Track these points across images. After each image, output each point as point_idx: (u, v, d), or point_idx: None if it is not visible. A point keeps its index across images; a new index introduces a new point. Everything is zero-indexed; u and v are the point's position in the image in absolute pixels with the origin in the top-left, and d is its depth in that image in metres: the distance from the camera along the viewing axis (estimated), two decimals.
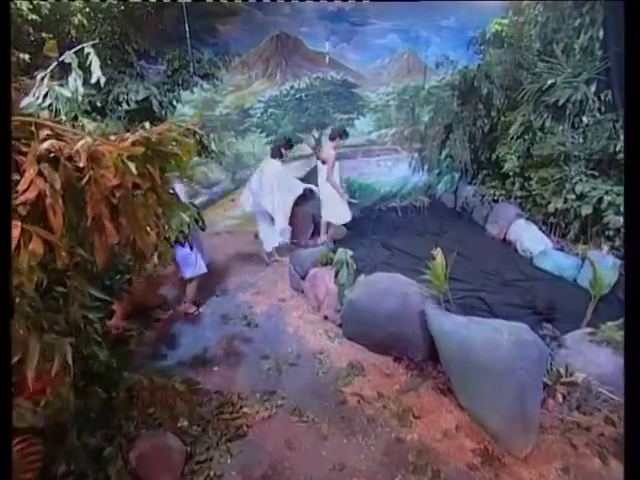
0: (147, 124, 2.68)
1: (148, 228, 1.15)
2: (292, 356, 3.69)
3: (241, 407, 3.16)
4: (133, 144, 1.09)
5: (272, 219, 4.88)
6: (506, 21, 5.32)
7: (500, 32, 5.34)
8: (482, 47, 5.54)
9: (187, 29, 4.94)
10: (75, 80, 1.95)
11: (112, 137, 1.13)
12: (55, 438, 1.79)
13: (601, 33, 4.62)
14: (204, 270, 4.13)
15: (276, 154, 4.76)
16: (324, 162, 4.81)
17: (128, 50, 4.72)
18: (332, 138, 4.77)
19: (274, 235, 4.96)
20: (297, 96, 5.86)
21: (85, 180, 0.96)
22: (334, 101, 5.95)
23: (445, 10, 5.46)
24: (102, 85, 2.47)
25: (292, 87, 5.82)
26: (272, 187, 4.72)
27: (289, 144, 4.83)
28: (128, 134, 1.15)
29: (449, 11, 5.45)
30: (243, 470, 2.74)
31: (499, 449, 2.83)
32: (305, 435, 2.98)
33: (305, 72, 5.79)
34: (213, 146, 3.24)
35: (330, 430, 3.01)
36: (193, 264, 4.01)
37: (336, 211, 5.01)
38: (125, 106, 4.76)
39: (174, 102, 5.55)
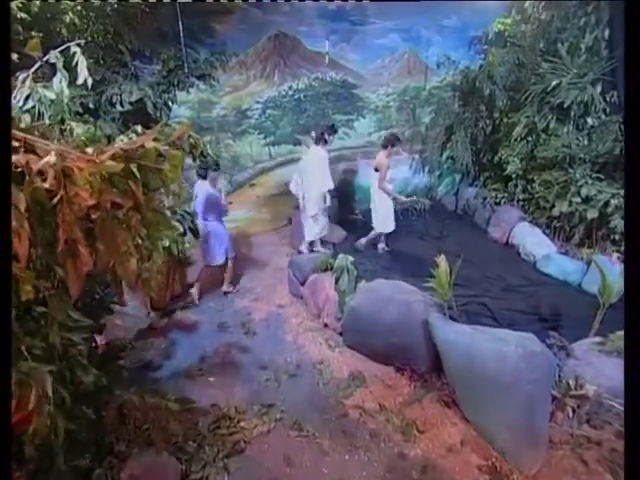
0: (139, 127, 2.57)
1: (130, 254, 1.03)
2: (291, 366, 3.57)
3: (238, 421, 3.05)
4: (112, 158, 0.97)
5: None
6: (509, 20, 5.21)
7: (503, 32, 5.23)
8: (484, 47, 5.43)
9: (181, 28, 4.80)
10: (60, 81, 1.82)
11: (89, 150, 1.01)
12: (42, 463, 1.67)
13: (607, 33, 4.51)
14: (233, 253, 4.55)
15: (319, 140, 4.63)
16: (377, 169, 4.70)
17: (122, 50, 4.59)
18: (385, 146, 4.67)
19: (314, 228, 4.87)
20: (296, 97, 5.73)
21: (56, 200, 0.85)
22: (333, 102, 5.83)
23: (447, 9, 5.34)
24: (91, 86, 2.37)
25: (290, 88, 5.69)
26: (314, 174, 4.62)
27: (333, 129, 4.72)
28: (108, 146, 1.03)
29: (451, 10, 5.34)
30: None
31: (507, 465, 2.72)
32: (305, 450, 2.87)
33: (304, 72, 5.66)
34: (208, 150, 3.12)
35: (331, 445, 2.90)
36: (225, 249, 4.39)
37: (386, 220, 4.92)
38: (119, 107, 4.63)
39: (169, 103, 5.43)
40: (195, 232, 2.47)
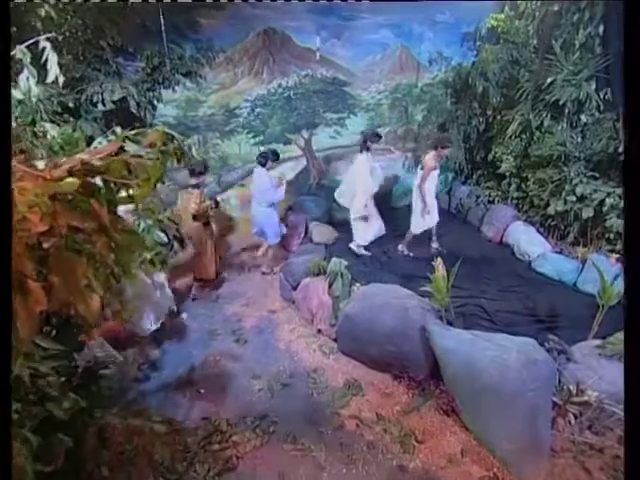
0: (119, 129, 2.41)
1: (92, 288, 0.88)
2: (284, 375, 3.44)
3: (230, 436, 2.92)
4: (69, 172, 0.83)
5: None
6: (502, 16, 5.13)
7: (496, 28, 5.14)
8: (477, 43, 5.34)
9: (162, 22, 4.60)
10: (27, 79, 1.65)
11: (40, 163, 0.86)
12: None
13: (601, 29, 4.45)
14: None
15: (363, 148, 4.60)
16: (422, 168, 4.61)
17: (103, 46, 4.38)
18: (435, 147, 4.52)
19: (368, 230, 4.86)
20: (285, 95, 5.57)
21: None
22: (324, 100, 5.68)
23: (439, 4, 5.23)
24: (70, 84, 2.20)
25: (280, 85, 5.53)
26: (358, 180, 4.65)
27: (377, 137, 4.67)
28: (63, 159, 0.88)
29: (444, 5, 5.23)
30: None
31: (509, 476, 2.64)
32: (300, 465, 2.75)
33: (294, 69, 5.50)
34: (194, 152, 2.96)
35: (327, 459, 2.79)
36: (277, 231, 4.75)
37: (418, 221, 4.86)
38: (101, 107, 4.43)
39: (154, 102, 5.24)
40: (181, 240, 2.32)
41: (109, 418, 1.99)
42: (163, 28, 4.62)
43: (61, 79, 1.78)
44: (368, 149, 4.59)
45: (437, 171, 4.64)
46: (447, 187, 6.43)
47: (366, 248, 4.93)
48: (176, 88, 5.26)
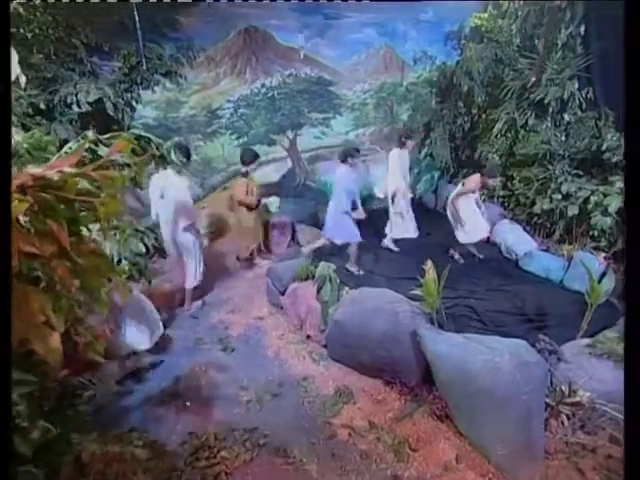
0: (90, 133, 2.27)
1: (50, 325, 0.77)
2: (274, 385, 3.34)
3: (219, 450, 2.80)
4: (19, 190, 0.71)
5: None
6: (485, 15, 5.13)
7: (479, 27, 5.14)
8: (461, 42, 5.33)
9: (137, 18, 4.43)
10: None
11: None
12: None
13: (582, 29, 4.48)
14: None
15: (399, 144, 4.65)
16: (463, 184, 4.46)
17: (76, 44, 4.18)
18: (482, 174, 4.30)
19: (405, 225, 4.94)
20: (269, 95, 5.45)
21: None
22: (309, 100, 5.58)
23: (423, 3, 5.19)
24: (33, 85, 2.06)
25: (263, 85, 5.41)
26: (393, 175, 4.71)
27: (409, 134, 4.69)
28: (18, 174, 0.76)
29: (428, 4, 5.20)
30: None
31: None
32: (292, 479, 2.66)
33: (277, 69, 5.39)
34: (173, 157, 2.84)
35: (320, 471, 2.70)
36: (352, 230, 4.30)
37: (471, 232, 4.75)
38: (76, 108, 4.23)
39: (133, 103, 5.05)
40: (162, 250, 2.20)
41: (87, 444, 1.86)
42: (138, 25, 4.45)
43: (22, 79, 1.65)
44: (403, 144, 4.64)
45: (476, 195, 4.42)
46: (433, 186, 6.43)
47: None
48: (155, 89, 5.09)
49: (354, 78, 5.68)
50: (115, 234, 1.91)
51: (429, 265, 3.03)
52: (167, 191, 3.46)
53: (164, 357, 3.68)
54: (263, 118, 5.52)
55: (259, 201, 4.64)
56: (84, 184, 0.87)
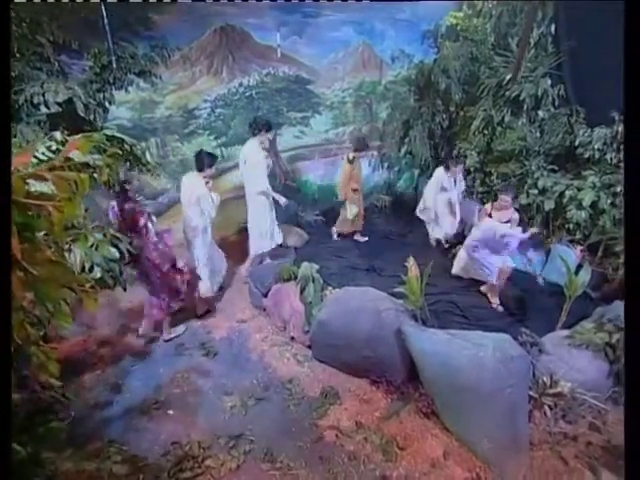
0: (58, 134, 2.16)
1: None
2: (258, 389, 3.28)
3: (203, 460, 2.73)
4: None
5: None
6: (461, 14, 5.19)
7: (455, 25, 5.20)
8: (438, 41, 5.38)
9: (104, 14, 4.27)
10: None
11: None
12: None
13: (552, 28, 4.59)
14: None
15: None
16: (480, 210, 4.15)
17: (41, 42, 4.00)
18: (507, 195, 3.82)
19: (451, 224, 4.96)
20: (247, 94, 5.36)
21: None
22: (287, 99, 5.52)
23: (400, 2, 5.21)
24: None
25: (241, 84, 5.31)
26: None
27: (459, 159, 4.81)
28: None
29: (404, 3, 5.22)
30: None
31: (492, 475, 2.63)
32: None
33: (254, 68, 5.29)
34: (148, 157, 2.74)
35: (308, 475, 2.66)
36: None
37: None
38: (44, 109, 4.05)
39: (106, 104, 4.87)
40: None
41: (60, 463, 1.76)
42: (106, 22, 4.29)
43: None
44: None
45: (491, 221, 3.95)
46: (414, 184, 6.47)
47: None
48: (129, 89, 4.91)
49: (332, 77, 5.65)
50: (81, 239, 1.81)
51: (411, 262, 3.03)
52: None
53: (145, 365, 3.57)
54: (242, 118, 5.42)
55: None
56: (37, 187, 0.80)
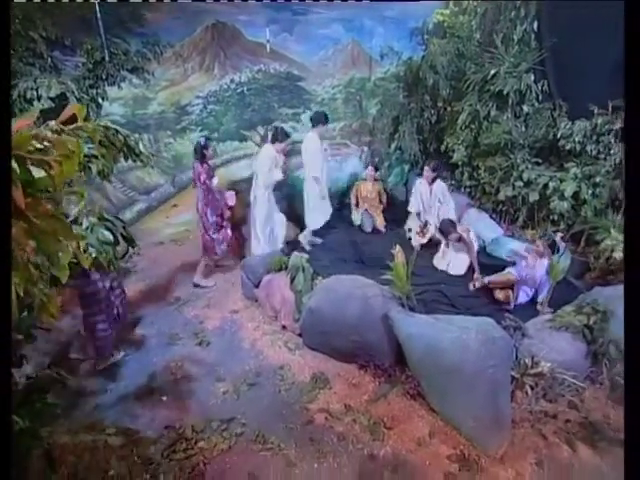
0: (52, 122, 2.23)
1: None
2: (250, 375, 3.36)
3: (196, 442, 2.80)
4: None
5: None
6: (447, 11, 5.31)
7: (442, 22, 5.32)
8: (425, 37, 5.49)
9: (97, 9, 4.35)
10: None
11: None
12: None
13: (535, 25, 4.71)
14: None
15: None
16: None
17: (34, 38, 4.06)
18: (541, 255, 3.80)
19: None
20: (238, 90, 5.45)
21: None
22: (278, 95, 5.61)
23: (389, 2, 5.33)
24: None
25: (232, 81, 5.40)
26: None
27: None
28: None
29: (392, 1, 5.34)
30: None
31: (475, 451, 2.73)
32: (270, 464, 2.69)
33: (246, 64, 5.38)
34: (141, 147, 2.81)
35: (298, 455, 2.75)
36: None
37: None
38: (37, 104, 4.11)
39: (99, 99, 4.94)
40: (131, 240, 2.18)
41: (57, 437, 1.83)
42: (99, 17, 4.36)
43: None
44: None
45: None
46: (404, 179, 6.56)
47: None
48: (122, 85, 5.00)
49: (323, 73, 5.75)
50: (77, 222, 1.89)
51: (398, 249, 3.13)
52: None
53: (138, 354, 3.64)
54: (233, 114, 5.50)
55: None
56: (37, 145, 0.89)
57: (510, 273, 3.83)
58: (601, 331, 3.02)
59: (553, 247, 3.65)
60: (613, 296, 3.23)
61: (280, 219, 4.71)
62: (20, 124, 0.94)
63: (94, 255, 1.85)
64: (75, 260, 1.23)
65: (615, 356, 2.94)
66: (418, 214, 5.19)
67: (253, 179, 4.53)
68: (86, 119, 4.68)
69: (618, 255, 3.51)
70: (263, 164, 4.33)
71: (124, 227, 2.13)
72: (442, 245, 4.62)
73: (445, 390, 2.87)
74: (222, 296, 4.40)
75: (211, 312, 4.17)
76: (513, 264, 3.99)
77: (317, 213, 4.88)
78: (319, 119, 4.57)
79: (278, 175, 4.42)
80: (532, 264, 3.70)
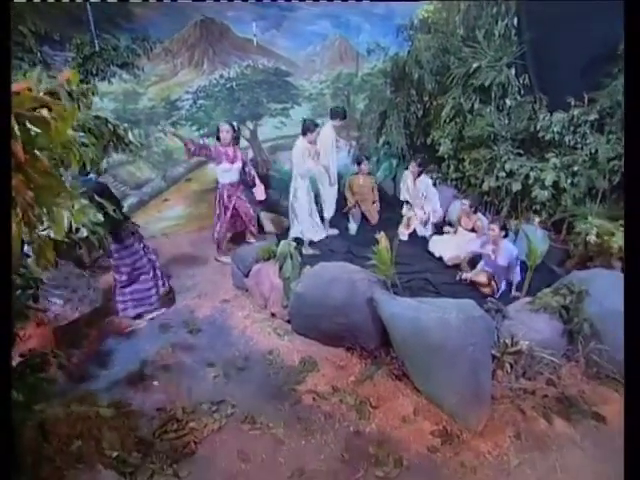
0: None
1: None
2: (240, 360, 3.45)
3: (187, 423, 2.88)
4: None
5: None
6: (432, 8, 5.43)
7: (427, 19, 5.44)
8: (411, 33, 5.60)
9: (87, 6, 4.40)
10: None
11: None
12: None
13: (515, 21, 4.86)
14: None
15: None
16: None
17: (23, 32, 4.10)
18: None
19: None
20: (228, 86, 5.51)
21: None
22: (267, 90, 5.69)
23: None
24: None
25: (221, 76, 5.46)
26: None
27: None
28: None
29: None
30: None
31: (457, 426, 2.84)
32: (259, 443, 2.78)
33: (234, 60, 5.45)
34: (131, 137, 2.88)
35: (286, 433, 2.84)
36: None
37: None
38: None
39: (89, 94, 4.97)
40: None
41: (50, 410, 1.90)
42: (89, 12, 4.41)
43: None
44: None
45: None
46: (392, 173, 6.68)
47: None
48: (112, 80, 5.04)
49: (310, 69, 5.84)
50: (69, 203, 1.97)
51: (381, 234, 3.23)
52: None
53: (129, 342, 3.70)
54: (223, 109, 5.57)
55: None
56: (35, 105, 0.97)
57: (483, 270, 3.96)
58: (576, 311, 3.15)
59: (505, 230, 3.87)
60: (587, 278, 3.38)
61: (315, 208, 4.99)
62: (19, 86, 1.01)
63: (86, 234, 1.93)
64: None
65: (589, 333, 3.07)
66: (407, 202, 5.29)
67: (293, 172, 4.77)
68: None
69: (592, 239, 3.65)
70: (297, 156, 4.53)
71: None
72: (450, 230, 4.75)
73: (428, 368, 2.97)
74: (213, 287, 4.47)
75: (202, 302, 4.24)
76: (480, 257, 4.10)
77: (328, 203, 5.10)
78: (338, 113, 4.78)
79: (311, 165, 4.62)
80: (495, 248, 3.84)
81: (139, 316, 3.91)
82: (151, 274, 3.90)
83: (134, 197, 5.57)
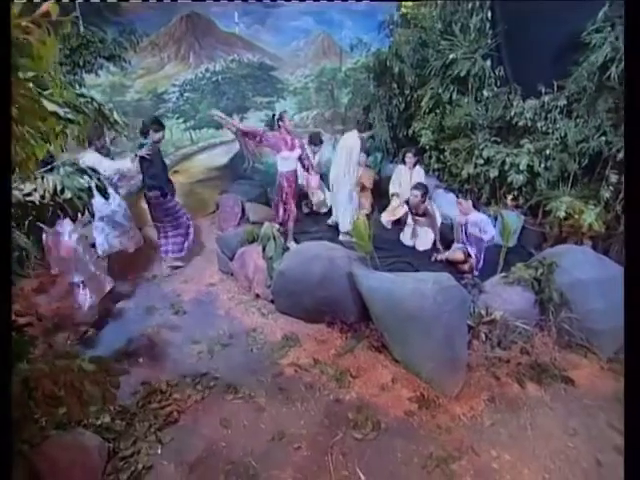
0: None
1: None
2: (224, 337, 3.52)
3: (170, 394, 2.94)
4: None
5: None
6: (410, 4, 5.63)
7: (406, 14, 5.63)
8: (391, 28, 5.78)
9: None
10: None
11: None
12: None
13: (489, 14, 5.07)
14: None
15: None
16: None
17: None
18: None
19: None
20: (213, 79, 5.64)
21: None
22: (252, 84, 5.82)
23: None
24: None
25: (207, 70, 5.58)
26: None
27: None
28: None
29: None
30: (176, 457, 2.54)
31: (433, 393, 2.94)
32: (241, 411, 2.85)
33: (220, 54, 5.59)
34: (116, 116, 2.96)
35: (268, 402, 2.91)
36: None
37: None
38: None
39: (76, 86, 5.05)
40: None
41: (34, 366, 1.96)
42: (77, 5, 4.51)
43: None
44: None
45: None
46: (377, 167, 6.82)
47: None
48: (99, 72, 5.13)
49: (295, 63, 5.99)
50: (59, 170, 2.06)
51: (360, 212, 3.34)
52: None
53: (115, 324, 3.74)
54: (209, 102, 5.68)
55: None
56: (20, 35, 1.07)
57: (458, 249, 4.11)
58: (547, 282, 3.29)
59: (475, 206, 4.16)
60: (558, 252, 3.54)
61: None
62: None
63: (69, 196, 2.00)
64: None
65: (559, 302, 3.20)
66: (396, 194, 5.41)
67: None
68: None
69: (561, 214, 3.82)
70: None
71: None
72: (409, 221, 4.87)
73: (405, 338, 3.08)
74: (199, 272, 4.54)
75: (188, 286, 4.30)
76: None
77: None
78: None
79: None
80: (464, 221, 4.06)
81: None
82: (183, 229, 4.62)
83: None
